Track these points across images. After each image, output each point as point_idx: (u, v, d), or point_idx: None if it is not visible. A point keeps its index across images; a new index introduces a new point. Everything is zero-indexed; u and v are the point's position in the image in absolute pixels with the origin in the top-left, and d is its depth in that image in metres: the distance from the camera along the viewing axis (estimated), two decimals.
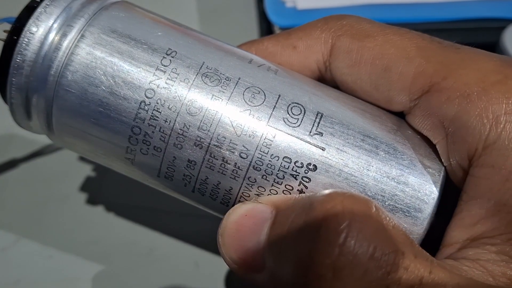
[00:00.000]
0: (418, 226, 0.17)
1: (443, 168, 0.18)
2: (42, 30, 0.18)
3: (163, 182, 0.19)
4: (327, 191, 0.16)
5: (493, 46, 0.32)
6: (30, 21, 0.18)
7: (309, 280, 0.15)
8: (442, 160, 0.18)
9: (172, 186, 0.19)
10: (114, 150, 0.18)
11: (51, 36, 0.18)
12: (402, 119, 0.19)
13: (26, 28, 0.18)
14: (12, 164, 0.29)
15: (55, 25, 0.18)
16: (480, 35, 0.34)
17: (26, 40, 0.18)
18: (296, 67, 0.20)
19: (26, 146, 0.30)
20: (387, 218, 0.16)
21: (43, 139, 0.30)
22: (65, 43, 0.18)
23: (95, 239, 0.27)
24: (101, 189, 0.29)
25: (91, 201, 0.28)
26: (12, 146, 0.30)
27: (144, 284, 0.26)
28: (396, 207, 0.17)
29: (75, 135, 0.19)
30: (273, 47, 0.20)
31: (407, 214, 0.17)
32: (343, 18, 0.20)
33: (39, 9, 0.18)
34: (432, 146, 0.18)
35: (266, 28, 0.37)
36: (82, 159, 0.30)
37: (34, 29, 0.18)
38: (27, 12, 0.18)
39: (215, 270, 0.26)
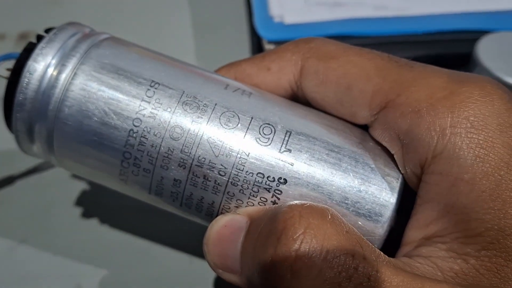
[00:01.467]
0: (379, 229, 0.19)
1: (400, 175, 0.20)
2: (40, 69, 0.20)
3: (154, 198, 0.21)
4: (290, 203, 0.19)
5: (468, 57, 0.33)
6: (29, 62, 0.20)
7: (272, 281, 0.17)
8: (400, 168, 0.20)
9: (162, 202, 0.21)
10: (109, 172, 0.21)
11: (48, 74, 0.20)
12: (366, 132, 0.21)
13: (25, 69, 0.20)
14: (15, 178, 0.31)
15: (52, 64, 0.20)
16: (455, 46, 0.36)
17: (26, 80, 0.20)
18: (271, 87, 0.22)
19: (28, 160, 0.32)
20: (342, 225, 0.18)
21: None
22: (61, 80, 0.20)
23: (94, 240, 0.29)
24: (99, 195, 0.30)
25: (90, 206, 0.30)
26: (15, 160, 0.32)
27: (141, 281, 0.27)
28: (359, 212, 0.19)
29: (74, 160, 0.21)
30: (250, 69, 0.22)
31: (369, 219, 0.19)
32: (311, 41, 0.22)
33: (36, 51, 0.20)
34: (391, 156, 0.20)
35: (256, 42, 0.39)
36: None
37: (32, 69, 0.20)
38: (26, 53, 0.20)
39: (208, 269, 0.27)
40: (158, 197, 0.21)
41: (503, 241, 0.17)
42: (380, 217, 0.19)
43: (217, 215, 0.20)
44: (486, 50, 0.33)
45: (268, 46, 0.35)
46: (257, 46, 0.39)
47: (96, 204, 0.30)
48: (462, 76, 0.19)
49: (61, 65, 0.20)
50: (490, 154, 0.17)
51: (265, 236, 0.18)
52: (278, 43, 0.35)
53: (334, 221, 0.18)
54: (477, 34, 0.34)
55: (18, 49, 0.39)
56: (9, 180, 0.31)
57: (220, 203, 0.20)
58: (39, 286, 0.27)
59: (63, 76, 0.20)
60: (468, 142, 0.17)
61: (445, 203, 0.18)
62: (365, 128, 0.21)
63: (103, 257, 0.28)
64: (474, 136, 0.17)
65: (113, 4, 0.44)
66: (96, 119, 0.20)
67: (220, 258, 0.20)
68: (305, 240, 0.17)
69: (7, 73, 0.21)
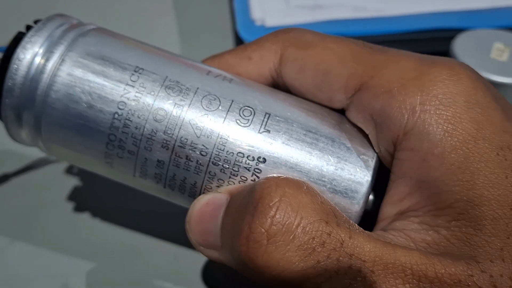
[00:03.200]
0: (355, 205, 0.20)
1: (375, 154, 0.20)
2: (29, 56, 0.21)
3: (139, 181, 0.21)
4: (267, 176, 0.19)
5: (445, 54, 0.34)
6: (18, 49, 0.21)
7: (250, 246, 0.18)
8: (374, 147, 0.20)
9: (147, 184, 0.21)
10: (95, 156, 0.21)
11: (36, 61, 0.21)
12: (343, 116, 0.21)
13: (15, 56, 0.21)
14: (5, 177, 0.32)
15: (40, 52, 0.21)
16: (432, 45, 0.37)
17: (15, 66, 0.21)
18: (253, 76, 0.23)
19: (19, 160, 0.32)
20: (317, 196, 0.19)
21: (34, 154, 0.32)
22: (49, 67, 0.21)
23: (83, 239, 0.29)
24: (88, 196, 0.31)
25: (79, 206, 0.31)
26: (6, 160, 0.32)
27: (129, 278, 0.28)
28: (335, 189, 0.20)
29: (61, 145, 0.22)
30: (232, 59, 0.23)
31: (345, 196, 0.20)
32: (290, 31, 0.23)
33: (25, 39, 0.21)
34: (367, 137, 0.20)
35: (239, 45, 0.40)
36: (69, 171, 0.32)
37: (21, 56, 0.21)
38: (15, 42, 0.21)
39: (192, 263, 0.28)
40: (143, 179, 0.21)
41: (472, 211, 0.17)
42: (355, 194, 0.20)
43: (199, 195, 0.21)
44: (462, 48, 0.34)
45: None
46: None
47: (84, 204, 0.31)
48: (432, 58, 0.20)
49: (49, 53, 0.21)
50: (458, 129, 0.18)
51: (243, 207, 0.18)
52: None
53: (309, 191, 0.19)
54: (453, 32, 0.35)
55: None
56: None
57: (202, 183, 0.20)
58: (27, 286, 0.28)
59: (51, 63, 0.21)
60: (437, 118, 0.18)
61: (417, 178, 0.18)
62: (342, 112, 0.22)
63: (91, 256, 0.29)
64: (442, 113, 0.18)
65: (99, 11, 0.45)
66: (82, 103, 0.20)
67: (202, 235, 0.20)
68: (280, 207, 0.18)
69: None
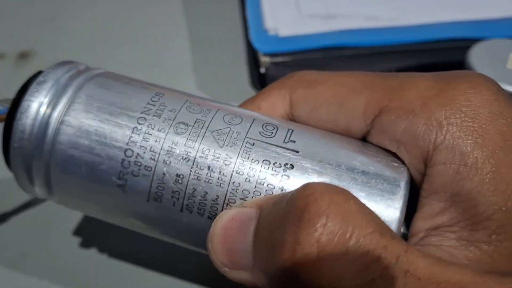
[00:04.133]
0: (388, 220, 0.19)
1: (406, 168, 0.20)
2: (34, 109, 0.21)
3: (153, 205, 0.20)
4: (307, 182, 0.18)
5: (461, 64, 0.34)
6: (25, 98, 0.21)
7: (296, 260, 0.16)
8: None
9: (159, 210, 0.20)
10: (107, 178, 0.20)
11: (41, 113, 0.21)
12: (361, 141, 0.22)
13: (22, 103, 0.21)
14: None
15: (44, 103, 0.21)
16: (447, 55, 0.36)
17: (25, 112, 0.21)
18: None
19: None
20: (365, 206, 0.18)
21: None
22: (54, 116, 0.21)
23: (93, 257, 0.29)
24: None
25: (90, 223, 0.30)
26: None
27: None
28: (371, 197, 0.19)
29: (71, 193, 0.21)
30: None
31: (379, 206, 0.19)
32: (294, 74, 0.23)
33: (28, 92, 0.21)
34: (394, 154, 0.20)
35: (252, 55, 0.40)
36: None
37: (27, 105, 0.21)
38: (22, 91, 0.21)
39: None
40: (158, 202, 0.20)
41: None
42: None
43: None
44: (478, 58, 0.33)
45: (264, 59, 0.36)
46: (253, 58, 0.40)
47: (95, 221, 0.30)
48: (448, 75, 0.20)
49: (53, 103, 0.21)
50: (487, 140, 0.18)
51: (282, 218, 0.17)
52: (273, 55, 0.36)
53: (357, 200, 0.17)
54: (468, 42, 0.35)
55: (18, 69, 0.40)
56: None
57: (225, 197, 0.19)
58: None
59: (55, 114, 0.21)
60: (465, 130, 0.18)
61: (451, 192, 0.18)
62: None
63: (100, 274, 0.28)
64: (469, 125, 0.18)
65: (110, 22, 0.45)
66: (90, 148, 0.20)
67: (228, 255, 0.18)
68: (331, 216, 0.16)
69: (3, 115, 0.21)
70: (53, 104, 0.21)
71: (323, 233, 0.16)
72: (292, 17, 0.38)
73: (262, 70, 0.36)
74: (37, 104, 0.21)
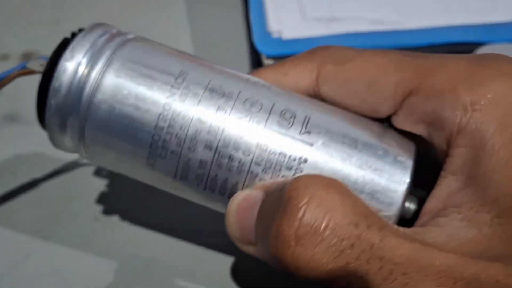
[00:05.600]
0: (393, 207, 0.20)
1: (412, 157, 0.21)
2: (75, 61, 0.21)
3: (179, 184, 0.22)
4: (298, 174, 0.20)
5: None
6: (66, 53, 0.21)
7: (279, 247, 0.18)
8: (427, 146, 0.21)
9: (186, 186, 0.22)
10: (137, 156, 0.21)
11: (83, 65, 0.21)
12: (380, 123, 0.22)
13: (62, 59, 0.21)
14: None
15: (86, 58, 0.21)
16: None
17: (63, 68, 0.21)
18: None
19: (32, 175, 0.32)
20: (349, 196, 0.19)
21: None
22: (95, 70, 0.21)
23: (102, 250, 0.29)
24: (104, 208, 0.31)
25: (95, 219, 0.30)
26: (19, 175, 0.32)
27: None
28: (374, 190, 0.20)
29: (105, 146, 0.22)
30: (268, 74, 0.24)
31: (383, 197, 0.20)
32: (327, 48, 0.23)
33: (72, 43, 0.22)
34: (405, 141, 0.21)
35: (255, 57, 0.40)
36: (88, 183, 0.32)
37: (69, 59, 0.21)
38: (62, 46, 0.22)
39: (210, 279, 0.28)
40: (183, 182, 0.21)
41: None
42: (393, 196, 0.20)
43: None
44: None
45: (267, 62, 0.36)
46: (256, 61, 0.40)
47: (102, 217, 0.31)
48: (480, 59, 0.21)
49: (94, 58, 0.21)
50: (508, 127, 0.19)
51: (274, 207, 0.19)
52: (276, 58, 0.36)
53: (340, 191, 0.19)
54: (472, 47, 0.35)
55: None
56: (14, 195, 0.31)
57: (244, 183, 0.21)
58: None
59: (99, 65, 0.21)
60: (488, 116, 0.19)
61: (467, 174, 0.19)
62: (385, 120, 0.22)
63: (108, 270, 0.28)
64: (492, 112, 0.19)
65: (113, 22, 0.45)
66: (128, 104, 0.21)
67: (240, 230, 0.21)
68: (308, 209, 0.18)
69: (42, 68, 0.22)
70: (90, 65, 0.21)
71: (301, 225, 0.18)
72: (296, 20, 0.38)
73: None
74: (75, 63, 0.21)
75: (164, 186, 0.23)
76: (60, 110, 0.21)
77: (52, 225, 0.30)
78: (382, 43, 0.36)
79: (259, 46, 0.37)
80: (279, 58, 0.36)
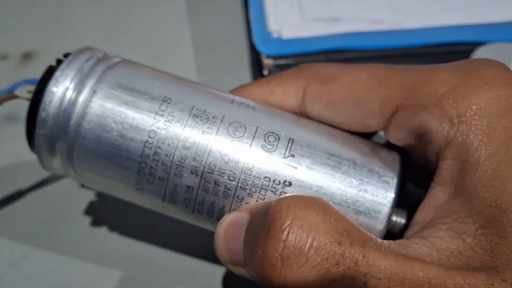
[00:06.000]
0: (379, 225, 0.21)
1: (396, 174, 0.21)
2: (61, 89, 0.21)
3: (168, 206, 0.22)
4: (280, 196, 0.20)
5: None
6: (51, 81, 0.21)
7: (266, 269, 0.18)
8: (418, 159, 0.21)
9: (175, 209, 0.22)
10: (126, 183, 0.22)
11: (69, 93, 0.21)
12: (365, 139, 0.22)
13: (47, 88, 0.21)
14: (19, 193, 0.32)
15: (71, 85, 0.22)
16: (450, 58, 0.35)
17: (49, 98, 0.21)
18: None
19: (33, 175, 0.32)
20: (331, 214, 0.19)
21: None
22: (81, 98, 0.21)
23: (98, 253, 0.29)
24: (104, 209, 0.31)
25: (95, 220, 0.30)
26: (20, 175, 0.32)
27: None
28: (358, 210, 0.21)
29: (93, 173, 0.22)
30: (255, 91, 0.24)
31: (368, 216, 0.21)
32: (312, 67, 0.24)
33: (57, 73, 0.22)
34: (389, 158, 0.21)
35: (255, 57, 0.39)
36: (84, 185, 0.32)
37: (54, 89, 0.21)
38: (47, 75, 0.22)
39: (208, 280, 0.28)
40: (172, 205, 0.22)
41: (499, 218, 0.18)
42: (378, 214, 0.20)
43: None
44: None
45: (267, 61, 0.36)
46: (256, 61, 0.40)
47: (100, 218, 0.31)
48: (464, 67, 0.21)
49: (80, 85, 0.22)
50: (492, 138, 0.19)
51: (259, 229, 0.19)
52: (276, 57, 0.36)
53: (321, 211, 0.19)
54: (471, 46, 0.35)
55: (21, 69, 0.40)
56: (14, 197, 0.31)
57: (230, 206, 0.21)
58: None
59: (83, 95, 0.21)
60: (473, 128, 0.19)
61: (455, 186, 0.19)
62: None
63: (105, 271, 0.28)
64: (477, 123, 0.19)
65: (113, 22, 0.45)
66: (114, 132, 0.21)
67: (228, 253, 0.21)
68: (291, 230, 0.18)
69: (28, 95, 0.22)
70: (76, 92, 0.21)
71: (285, 247, 0.18)
72: (296, 20, 0.38)
73: (265, 72, 0.36)
74: (61, 92, 0.21)
75: (154, 208, 0.23)
76: (48, 138, 0.22)
77: (50, 227, 0.30)
78: (382, 43, 0.36)
79: (259, 46, 0.37)
80: (279, 58, 0.36)
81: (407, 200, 0.22)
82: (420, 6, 0.39)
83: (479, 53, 0.34)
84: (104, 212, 0.31)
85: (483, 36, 0.36)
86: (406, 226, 0.21)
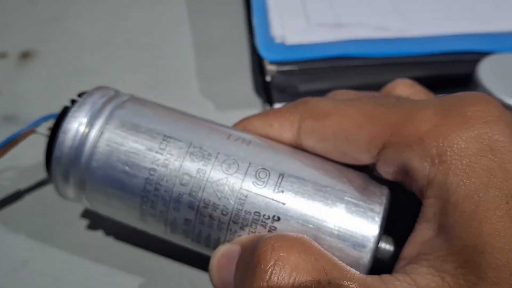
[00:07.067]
0: (364, 258, 0.21)
1: (382, 208, 0.22)
2: (73, 129, 0.24)
3: (170, 235, 0.24)
4: (266, 236, 0.21)
5: (469, 78, 0.34)
6: (64, 123, 0.24)
7: None
8: (409, 193, 0.22)
9: (177, 238, 0.24)
10: (131, 213, 0.24)
11: (79, 133, 0.24)
12: (356, 171, 0.24)
13: (61, 130, 0.24)
14: (18, 195, 0.31)
15: (83, 124, 0.24)
16: (456, 67, 0.36)
17: (62, 139, 0.24)
18: (274, 140, 0.25)
19: (32, 175, 0.32)
20: (312, 253, 0.20)
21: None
22: (90, 138, 0.24)
23: (97, 259, 0.29)
24: (101, 216, 0.30)
25: (93, 225, 0.30)
26: (20, 177, 0.32)
27: None
28: (345, 243, 0.21)
29: (102, 203, 0.25)
30: (257, 123, 0.25)
31: (354, 248, 0.21)
32: (307, 102, 0.25)
33: (69, 114, 0.24)
34: (376, 192, 0.23)
35: (258, 62, 0.39)
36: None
37: (67, 129, 0.24)
38: (61, 116, 0.24)
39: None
40: (173, 234, 0.24)
41: (477, 258, 0.18)
42: (363, 248, 0.21)
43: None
44: (487, 72, 0.33)
45: (269, 67, 0.35)
46: (258, 66, 0.39)
47: (99, 223, 0.30)
48: (448, 104, 0.21)
49: (90, 126, 0.24)
50: (472, 178, 0.19)
51: (247, 265, 0.21)
52: (279, 63, 0.35)
53: (303, 250, 0.20)
54: (478, 56, 0.34)
55: (20, 68, 0.40)
56: (13, 197, 0.31)
57: (225, 238, 0.23)
58: None
59: (92, 134, 0.24)
60: (453, 168, 0.19)
61: (438, 224, 0.20)
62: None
63: (104, 278, 0.28)
64: (457, 163, 0.19)
65: (113, 24, 0.45)
66: (119, 169, 0.23)
67: (221, 282, 0.22)
68: (274, 271, 0.19)
69: (48, 132, 0.25)
70: (89, 128, 0.24)
71: (268, 286, 0.19)
72: (300, 25, 0.38)
73: (268, 78, 0.35)
74: (76, 125, 0.24)
75: (159, 235, 0.25)
76: (62, 172, 0.24)
77: (50, 229, 0.30)
78: (387, 50, 0.36)
79: (262, 51, 0.36)
80: (282, 64, 0.35)
81: (401, 230, 0.22)
82: (426, 14, 0.39)
83: (486, 63, 0.33)
84: (104, 216, 0.30)
85: (490, 46, 0.36)
86: (396, 254, 0.22)
